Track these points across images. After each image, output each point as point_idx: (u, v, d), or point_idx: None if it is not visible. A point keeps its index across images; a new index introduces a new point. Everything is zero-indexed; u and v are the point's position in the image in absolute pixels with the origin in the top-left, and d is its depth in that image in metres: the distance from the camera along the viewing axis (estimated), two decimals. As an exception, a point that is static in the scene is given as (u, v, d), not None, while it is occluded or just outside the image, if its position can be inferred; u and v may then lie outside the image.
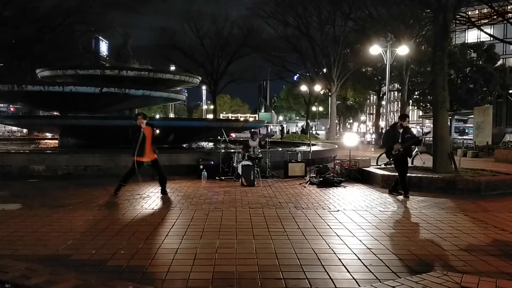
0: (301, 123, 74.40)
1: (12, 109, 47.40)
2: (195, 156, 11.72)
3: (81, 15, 37.29)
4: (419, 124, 69.28)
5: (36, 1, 35.80)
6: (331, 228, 5.73)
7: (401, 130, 8.62)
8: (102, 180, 9.99)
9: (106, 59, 53.82)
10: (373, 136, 38.01)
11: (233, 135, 21.83)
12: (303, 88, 53.71)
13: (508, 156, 17.44)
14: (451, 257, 4.51)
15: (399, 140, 8.49)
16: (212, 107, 59.72)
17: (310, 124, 53.53)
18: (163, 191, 8.20)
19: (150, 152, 8.07)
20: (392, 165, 9.32)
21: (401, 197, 8.29)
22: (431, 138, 11.67)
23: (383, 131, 9.58)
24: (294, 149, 13.66)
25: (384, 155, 10.61)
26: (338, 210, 6.93)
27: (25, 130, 33.16)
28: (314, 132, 50.88)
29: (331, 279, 3.80)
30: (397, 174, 8.71)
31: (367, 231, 5.62)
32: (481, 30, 18.91)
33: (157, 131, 8.14)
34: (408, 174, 9.63)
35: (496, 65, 41.74)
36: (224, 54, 49.80)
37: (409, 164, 12.33)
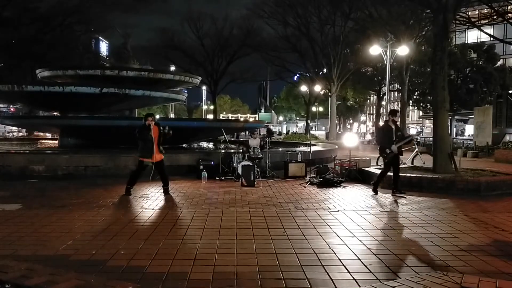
0: (301, 123, 74.45)
1: (12, 109, 47.46)
2: (195, 156, 11.71)
3: (81, 15, 37.42)
4: (419, 124, 69.27)
5: (36, 1, 35.86)
6: (331, 228, 5.72)
7: (393, 127, 8.69)
8: (102, 180, 10.02)
9: (106, 59, 53.85)
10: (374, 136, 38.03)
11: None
12: (303, 88, 53.75)
13: (508, 156, 17.44)
14: (451, 257, 4.51)
15: (394, 138, 8.53)
16: (212, 107, 59.76)
17: (310, 124, 53.50)
18: (166, 191, 8.21)
19: (157, 153, 8.06)
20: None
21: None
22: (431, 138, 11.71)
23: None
24: (294, 149, 13.66)
25: None
26: (338, 210, 6.93)
27: (25, 130, 33.18)
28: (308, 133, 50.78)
29: (331, 279, 3.80)
30: (392, 174, 8.76)
31: (367, 231, 5.62)
32: (481, 30, 18.96)
33: (166, 130, 8.11)
34: (408, 174, 9.68)
35: (496, 65, 41.80)
36: (224, 54, 49.87)
37: (409, 164, 12.45)
